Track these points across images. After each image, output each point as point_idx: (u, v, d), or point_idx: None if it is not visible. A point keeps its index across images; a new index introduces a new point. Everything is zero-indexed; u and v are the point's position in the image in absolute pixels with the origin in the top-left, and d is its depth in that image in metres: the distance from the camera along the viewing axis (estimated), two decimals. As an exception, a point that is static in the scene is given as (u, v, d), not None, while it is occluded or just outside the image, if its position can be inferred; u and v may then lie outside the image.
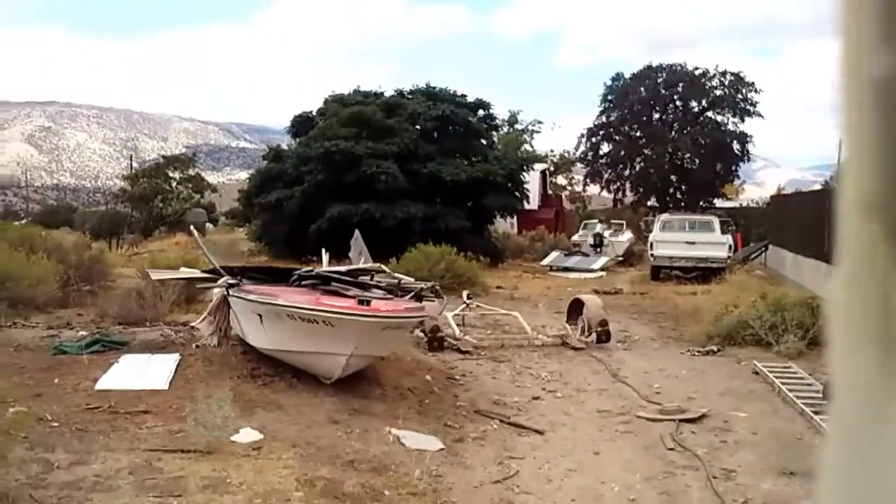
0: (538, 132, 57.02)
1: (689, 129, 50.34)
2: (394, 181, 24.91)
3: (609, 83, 52.49)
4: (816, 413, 7.63)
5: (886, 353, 0.58)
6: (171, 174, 49.86)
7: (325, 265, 10.60)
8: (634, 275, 25.49)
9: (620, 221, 37.09)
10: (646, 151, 50.80)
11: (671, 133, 50.78)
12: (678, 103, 51.33)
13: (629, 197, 52.34)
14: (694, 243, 22.51)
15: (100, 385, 7.71)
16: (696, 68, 50.58)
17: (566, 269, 26.45)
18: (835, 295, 0.62)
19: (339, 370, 7.66)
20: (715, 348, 11.74)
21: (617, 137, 52.33)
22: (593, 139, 52.71)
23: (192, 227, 12.58)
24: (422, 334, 11.54)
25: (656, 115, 51.76)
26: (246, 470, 5.61)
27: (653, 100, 50.98)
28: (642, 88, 50.60)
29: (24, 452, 5.71)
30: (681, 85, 50.38)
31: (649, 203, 49.44)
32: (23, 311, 12.10)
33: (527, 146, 52.53)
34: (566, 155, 57.51)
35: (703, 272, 21.50)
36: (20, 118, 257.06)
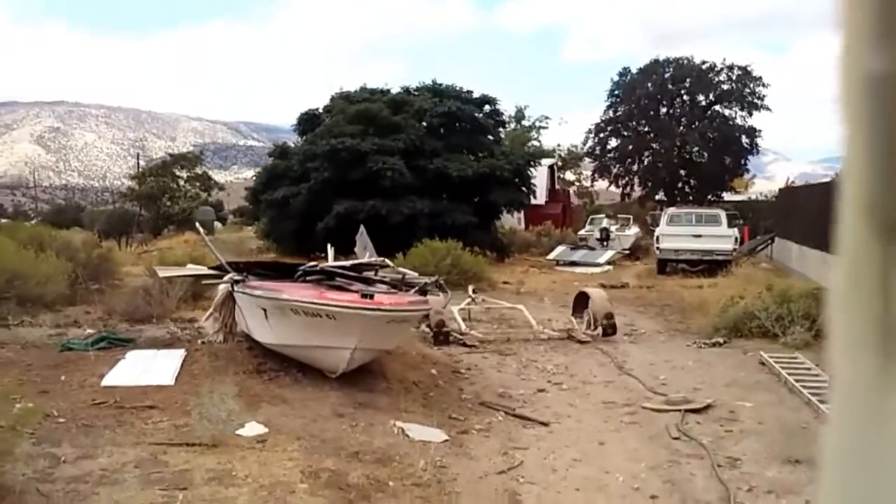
0: (545, 128, 57.06)
1: (696, 123, 50.19)
2: (400, 177, 24.91)
3: (616, 78, 52.44)
4: (822, 402, 7.62)
5: (886, 352, 0.58)
6: (177, 173, 49.97)
7: (330, 260, 10.62)
8: (641, 269, 25.46)
9: (627, 216, 37.04)
10: (654, 146, 50.69)
11: (679, 127, 50.61)
12: (685, 97, 51.18)
13: (637, 191, 52.22)
14: (700, 236, 22.48)
15: (106, 381, 7.75)
16: (704, 62, 50.44)
17: (572, 264, 26.42)
18: (834, 294, 0.62)
19: (343, 364, 7.68)
20: (721, 340, 11.72)
21: (625, 132, 52.21)
22: (601, 134, 52.61)
23: (197, 224, 12.65)
24: (427, 329, 11.57)
25: (664, 110, 51.60)
26: (251, 462, 5.65)
27: (660, 94, 50.85)
28: (649, 83, 50.47)
29: (31, 448, 5.75)
30: (688, 79, 50.19)
31: (657, 197, 49.32)
32: (31, 310, 12.17)
33: (534, 142, 52.52)
34: (574, 150, 57.50)
35: (710, 265, 21.47)
36: (29, 118, 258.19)
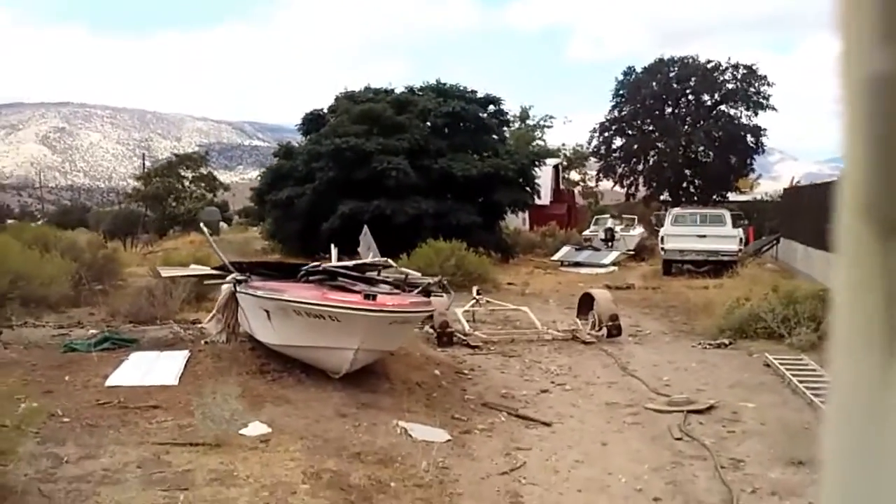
0: (550, 127, 57.07)
1: (702, 122, 50.02)
2: (404, 177, 24.93)
3: (621, 77, 52.28)
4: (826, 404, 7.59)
5: (887, 352, 0.58)
6: (183, 173, 50.05)
7: (333, 261, 10.62)
8: (646, 269, 25.42)
9: (632, 216, 37.00)
10: (659, 145, 50.54)
11: (684, 127, 50.46)
12: (690, 97, 51.00)
13: (642, 191, 52.10)
14: (705, 237, 22.43)
15: (110, 382, 7.75)
16: (709, 61, 50.24)
17: (577, 265, 26.40)
18: (834, 294, 0.62)
19: (346, 365, 7.68)
20: (726, 341, 11.70)
21: (629, 132, 52.05)
22: (606, 134, 52.48)
23: (202, 224, 12.66)
24: (431, 330, 11.57)
25: (669, 109, 51.44)
26: (253, 463, 5.65)
27: (665, 93, 50.69)
28: (654, 82, 50.30)
29: (34, 447, 5.76)
30: (693, 78, 50.03)
31: (662, 197, 49.21)
32: (35, 310, 12.20)
33: (538, 141, 52.51)
34: (579, 149, 57.42)
35: (715, 266, 21.43)
36: (34, 119, 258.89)
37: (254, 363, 8.39)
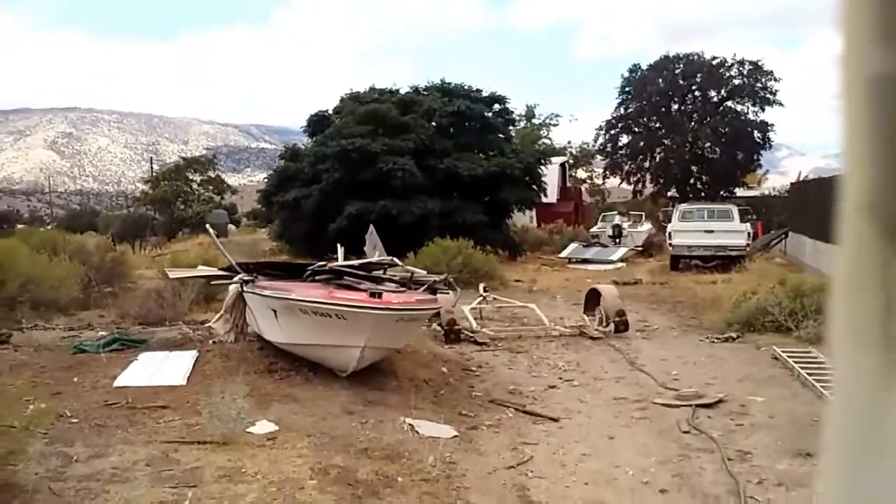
0: (556, 125, 57.02)
1: (708, 118, 49.90)
2: (410, 177, 24.93)
3: (627, 74, 52.18)
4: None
5: (886, 351, 0.58)
6: (191, 176, 50.26)
7: (340, 260, 10.65)
8: (654, 265, 25.39)
9: (639, 212, 36.96)
10: (665, 142, 50.45)
11: (691, 123, 50.36)
12: (697, 93, 50.88)
13: (649, 188, 52.00)
14: (712, 232, 22.39)
15: (118, 382, 7.80)
16: (715, 58, 50.11)
17: (585, 261, 26.40)
18: (836, 292, 0.63)
19: (353, 363, 7.71)
20: (734, 335, 11.68)
21: (636, 129, 51.99)
22: (612, 131, 52.41)
23: (208, 225, 12.72)
24: (439, 327, 11.59)
25: (675, 106, 51.34)
26: (261, 460, 5.67)
27: (671, 90, 50.59)
28: (660, 79, 50.21)
29: (43, 447, 5.79)
30: (699, 75, 49.91)
31: (669, 194, 49.11)
32: (44, 313, 12.27)
33: (544, 140, 52.46)
34: (585, 147, 57.36)
35: (723, 261, 21.38)
36: (42, 124, 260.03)
37: (262, 362, 8.42)
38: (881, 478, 0.59)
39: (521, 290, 18.19)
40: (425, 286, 9.09)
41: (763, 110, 48.63)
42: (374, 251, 10.97)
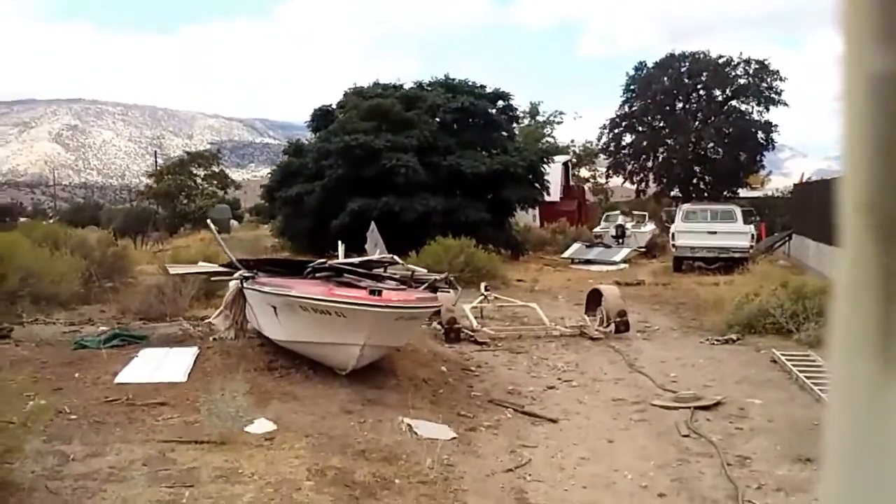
0: (560, 123, 56.98)
1: (712, 118, 49.79)
2: (413, 174, 24.91)
3: (631, 73, 52.07)
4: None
5: (884, 354, 0.58)
6: (195, 171, 50.29)
7: (340, 257, 10.65)
8: (657, 266, 25.35)
9: (643, 213, 36.89)
10: (669, 142, 50.33)
11: (695, 123, 50.25)
12: (701, 92, 50.74)
13: (652, 188, 51.94)
14: (716, 233, 22.32)
15: (119, 379, 7.80)
16: (720, 56, 49.98)
17: (588, 262, 26.33)
18: (835, 294, 0.62)
19: (353, 361, 7.70)
20: (734, 337, 11.67)
21: (640, 128, 51.86)
22: (616, 130, 52.30)
23: (209, 221, 12.71)
24: (439, 326, 11.59)
25: (679, 105, 51.23)
26: (258, 460, 5.66)
27: (676, 89, 50.47)
28: (665, 78, 50.08)
29: (41, 445, 5.79)
30: (704, 74, 49.80)
31: (672, 194, 49.06)
32: (45, 308, 12.27)
33: (548, 138, 52.40)
34: (589, 146, 57.30)
35: (726, 262, 21.33)
36: (46, 116, 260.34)
37: (262, 360, 8.42)
38: (880, 481, 0.59)
39: (523, 289, 18.17)
40: (426, 284, 9.09)
41: (767, 110, 48.55)
42: (375, 249, 10.97)
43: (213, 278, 11.13)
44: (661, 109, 50.99)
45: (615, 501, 5.71)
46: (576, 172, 54.79)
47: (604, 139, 52.86)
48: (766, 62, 49.06)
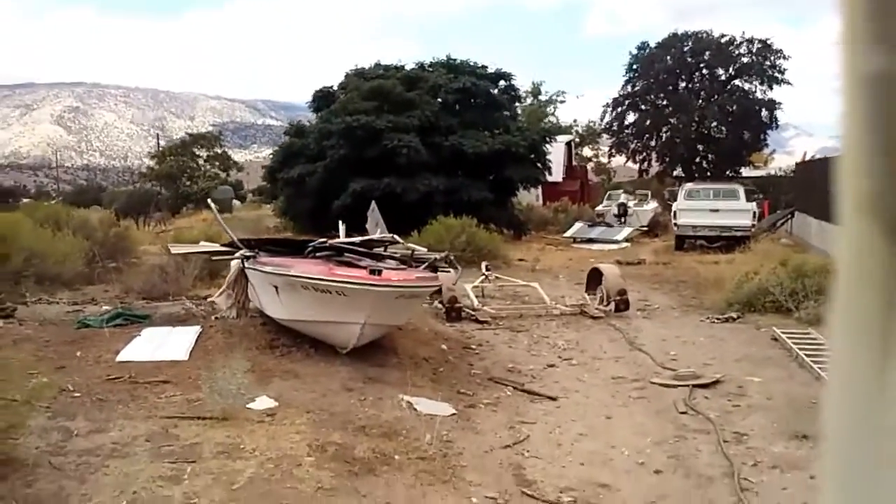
0: (563, 102, 56.76)
1: (716, 97, 49.53)
2: (415, 154, 24.88)
3: (634, 52, 51.75)
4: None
5: (885, 347, 0.59)
6: (197, 152, 50.26)
7: (341, 237, 10.69)
8: (659, 245, 25.36)
9: (645, 191, 36.82)
10: (672, 121, 50.12)
11: (698, 102, 49.99)
12: (705, 71, 50.45)
13: (655, 167, 51.80)
14: (718, 211, 22.31)
15: (121, 357, 7.86)
16: (723, 35, 49.63)
17: (590, 241, 26.35)
18: (836, 288, 0.64)
19: (353, 339, 7.75)
20: (734, 315, 11.70)
21: (643, 107, 51.63)
22: (618, 109, 52.07)
23: (210, 201, 12.74)
24: (440, 305, 11.63)
25: (682, 84, 50.95)
26: (259, 436, 5.73)
27: (679, 68, 50.19)
28: (668, 57, 49.80)
29: (45, 421, 5.86)
30: (707, 53, 49.50)
31: (675, 173, 48.93)
32: (49, 288, 12.34)
33: (550, 118, 52.21)
34: (591, 126, 57.10)
35: (728, 241, 21.33)
36: (49, 99, 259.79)
37: (263, 338, 8.47)
38: (879, 461, 0.60)
39: (525, 269, 18.20)
40: (426, 264, 9.12)
41: (771, 89, 48.27)
42: (376, 228, 11.00)
43: (214, 258, 11.18)
44: (664, 89, 50.74)
45: (612, 478, 5.77)
46: (579, 152, 54.63)
47: (607, 119, 52.66)
48: (768, 41, 48.75)
